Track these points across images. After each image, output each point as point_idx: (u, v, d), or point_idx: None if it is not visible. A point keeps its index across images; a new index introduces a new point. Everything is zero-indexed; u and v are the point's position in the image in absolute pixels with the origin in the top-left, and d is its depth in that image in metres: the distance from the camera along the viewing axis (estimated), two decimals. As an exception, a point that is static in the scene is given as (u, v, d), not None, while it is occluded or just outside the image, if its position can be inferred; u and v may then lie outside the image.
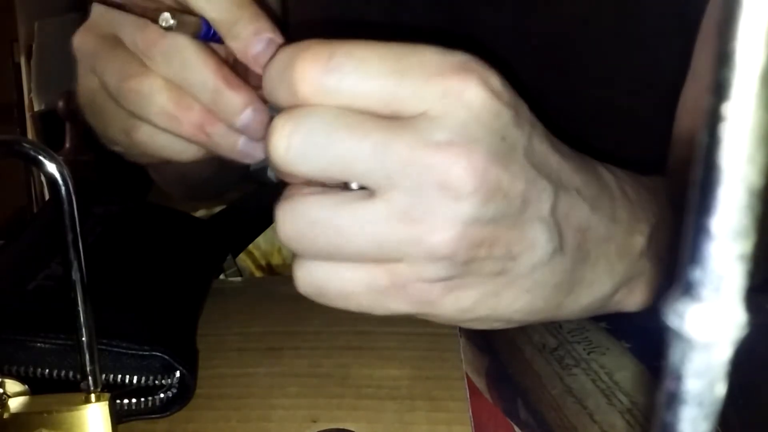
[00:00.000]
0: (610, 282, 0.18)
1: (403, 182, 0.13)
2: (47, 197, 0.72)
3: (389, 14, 0.29)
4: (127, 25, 0.18)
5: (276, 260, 0.38)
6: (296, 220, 0.14)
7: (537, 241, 0.15)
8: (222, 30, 0.18)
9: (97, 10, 0.19)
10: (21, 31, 0.81)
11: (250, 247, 0.37)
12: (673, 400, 0.07)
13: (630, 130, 0.28)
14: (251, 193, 0.38)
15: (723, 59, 0.06)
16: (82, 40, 0.19)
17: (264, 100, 0.17)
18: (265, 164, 0.16)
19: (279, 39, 0.18)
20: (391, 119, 0.14)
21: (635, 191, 0.18)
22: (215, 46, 0.18)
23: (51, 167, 0.14)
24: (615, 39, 0.26)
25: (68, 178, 0.14)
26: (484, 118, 0.14)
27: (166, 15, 0.16)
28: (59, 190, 0.14)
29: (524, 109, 0.15)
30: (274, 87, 0.14)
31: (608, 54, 0.27)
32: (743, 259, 0.06)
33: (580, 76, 0.27)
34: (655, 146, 0.26)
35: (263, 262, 0.37)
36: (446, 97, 0.13)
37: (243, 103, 0.17)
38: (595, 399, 0.19)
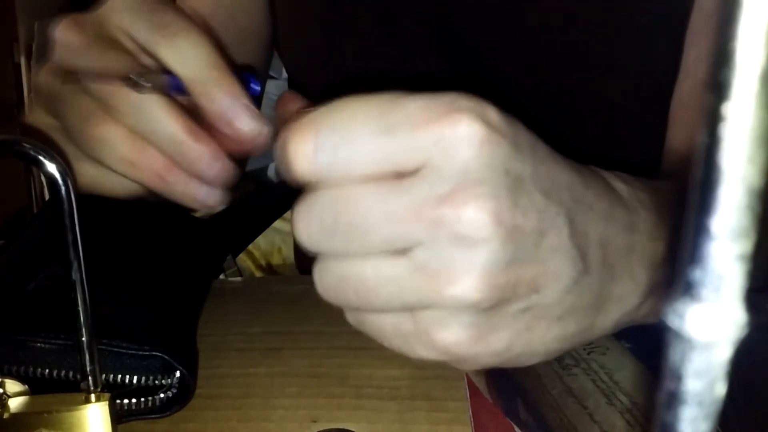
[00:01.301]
0: (638, 292, 0.17)
1: (417, 240, 0.14)
2: (47, 197, 0.72)
3: (380, 20, 0.29)
4: (90, 60, 0.18)
5: (276, 260, 0.38)
6: (326, 277, 0.15)
7: (561, 269, 0.15)
8: (195, 90, 0.18)
9: (61, 49, 0.19)
10: (21, 31, 0.81)
11: (250, 247, 0.37)
12: (673, 399, 0.07)
13: (622, 126, 0.28)
14: (251, 193, 0.38)
15: (723, 59, 0.06)
16: (43, 80, 0.19)
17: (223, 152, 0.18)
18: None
19: (250, 105, 0.18)
20: (394, 179, 0.14)
21: (650, 197, 0.18)
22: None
23: (51, 167, 0.14)
24: (604, 35, 0.26)
25: (68, 178, 0.14)
26: (484, 157, 0.13)
27: (137, 79, 0.17)
28: (59, 190, 0.14)
29: (523, 132, 0.14)
30: (282, 169, 0.15)
31: (598, 50, 0.27)
32: (743, 259, 0.06)
33: (570, 74, 0.27)
34: (648, 142, 0.26)
35: (263, 262, 0.37)
36: (440, 144, 0.13)
37: (208, 154, 0.18)
38: (595, 399, 0.19)
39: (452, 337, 0.14)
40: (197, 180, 0.19)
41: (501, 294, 0.14)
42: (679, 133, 0.26)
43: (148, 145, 0.18)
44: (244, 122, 0.18)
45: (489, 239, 0.13)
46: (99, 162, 0.19)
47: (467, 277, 0.13)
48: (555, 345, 0.16)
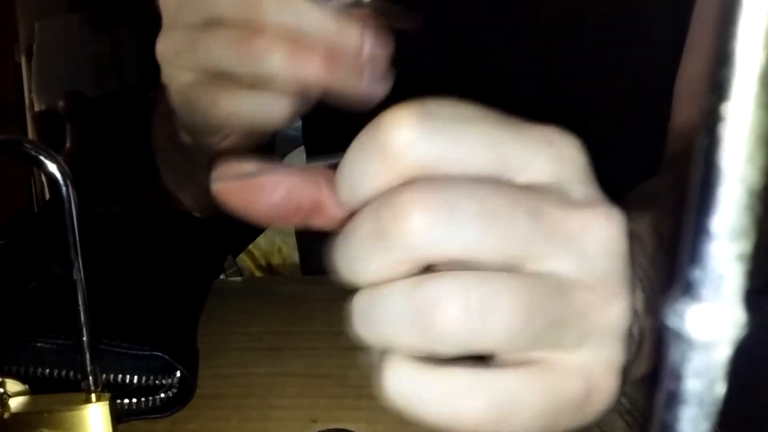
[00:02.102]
0: (633, 346, 0.16)
1: (564, 249, 0.11)
2: (48, 197, 0.72)
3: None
4: (222, 3, 0.17)
5: (276, 260, 0.38)
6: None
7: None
8: None
9: (169, 10, 0.18)
10: (21, 31, 0.81)
11: (251, 247, 0.37)
12: (673, 399, 0.07)
13: (629, 122, 0.28)
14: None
15: (722, 59, 0.06)
16: (164, 43, 0.18)
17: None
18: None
19: None
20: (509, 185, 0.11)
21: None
22: None
23: (52, 167, 0.14)
24: (609, 36, 0.26)
25: (69, 179, 0.14)
26: (591, 174, 0.12)
27: None
28: (60, 190, 0.14)
29: None
30: (356, 164, 0.12)
31: (604, 51, 0.27)
32: (743, 259, 0.06)
33: (576, 78, 0.27)
34: (653, 138, 0.26)
35: (263, 262, 0.37)
36: (559, 160, 0.12)
37: (364, 34, 0.16)
38: (596, 399, 0.19)
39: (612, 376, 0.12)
40: (360, 67, 0.16)
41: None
42: (685, 109, 0.25)
43: (302, 44, 0.16)
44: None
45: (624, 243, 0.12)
46: (266, 78, 0.16)
47: (620, 298, 0.12)
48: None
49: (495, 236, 0.11)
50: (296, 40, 0.16)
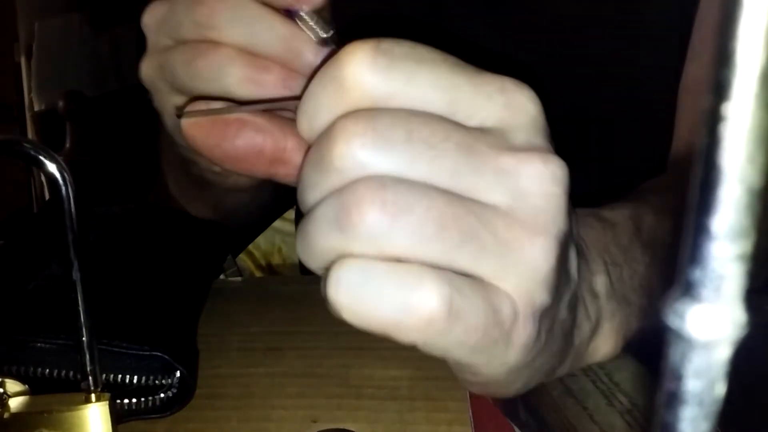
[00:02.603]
0: (588, 324, 0.17)
1: (494, 183, 0.12)
2: (47, 197, 0.72)
3: (384, 20, 0.29)
4: (180, 16, 0.17)
5: (276, 260, 0.38)
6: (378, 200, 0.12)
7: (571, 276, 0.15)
8: None
9: (149, 34, 0.18)
10: (21, 31, 0.81)
11: (250, 247, 0.37)
12: (673, 400, 0.07)
13: (634, 124, 0.28)
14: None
15: (723, 59, 0.06)
16: (145, 67, 0.18)
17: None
18: None
19: None
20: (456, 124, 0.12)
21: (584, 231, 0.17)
22: None
23: (51, 167, 0.14)
24: (614, 37, 0.26)
25: (69, 178, 0.14)
26: (543, 125, 0.13)
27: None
28: (60, 190, 0.14)
29: None
30: (314, 98, 0.12)
31: (605, 54, 0.27)
32: (743, 259, 0.06)
33: (577, 78, 0.27)
34: (658, 139, 0.26)
35: (263, 262, 0.37)
36: (509, 107, 0.12)
37: (315, 43, 0.16)
38: (595, 400, 0.19)
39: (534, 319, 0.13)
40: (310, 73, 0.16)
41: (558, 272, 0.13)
42: (687, 117, 0.26)
43: (259, 58, 0.16)
44: None
45: (561, 203, 0.12)
46: (222, 93, 0.16)
47: (546, 236, 0.12)
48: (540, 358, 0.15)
49: (422, 164, 0.12)
50: (252, 55, 0.16)
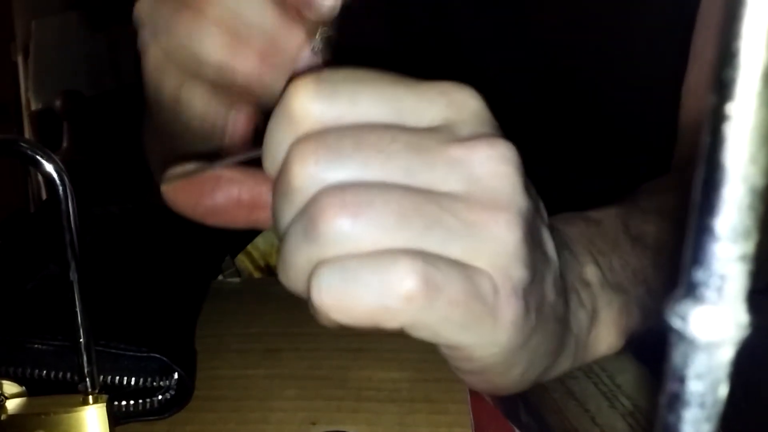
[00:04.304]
0: (584, 312, 0.17)
1: (443, 176, 0.13)
2: (44, 197, 0.72)
3: (387, 25, 0.29)
4: None
5: (275, 261, 0.38)
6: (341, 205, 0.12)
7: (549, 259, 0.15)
8: None
9: (144, 16, 0.18)
10: (18, 30, 0.81)
11: (249, 247, 0.37)
12: (676, 401, 0.07)
13: (636, 124, 0.28)
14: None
15: (726, 58, 0.06)
16: (153, 56, 0.18)
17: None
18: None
19: None
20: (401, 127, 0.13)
21: (564, 227, 0.18)
22: None
23: (49, 167, 0.14)
24: (611, 39, 0.26)
25: (66, 178, 0.14)
26: (487, 116, 0.14)
27: None
28: (57, 190, 0.14)
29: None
30: (271, 136, 0.13)
31: (605, 54, 0.27)
32: (746, 260, 0.06)
33: (577, 78, 0.27)
34: (660, 139, 0.26)
35: (262, 263, 0.37)
36: (451, 106, 0.13)
37: (300, 42, 0.16)
38: (597, 402, 0.19)
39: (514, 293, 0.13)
40: (290, 71, 0.16)
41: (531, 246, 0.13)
42: (690, 118, 0.26)
43: (241, 39, 0.16)
44: None
45: (519, 170, 0.13)
46: (198, 62, 0.16)
47: (507, 211, 0.13)
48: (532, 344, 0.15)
49: (375, 167, 0.12)
50: (236, 29, 0.16)
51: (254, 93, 0.17)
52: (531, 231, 0.14)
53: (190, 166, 0.15)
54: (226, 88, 0.17)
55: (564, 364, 0.17)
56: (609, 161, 0.28)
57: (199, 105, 0.17)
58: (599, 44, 0.27)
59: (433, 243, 0.13)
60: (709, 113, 0.06)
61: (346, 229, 0.12)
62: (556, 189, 0.19)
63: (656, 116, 0.27)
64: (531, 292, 0.14)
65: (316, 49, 0.17)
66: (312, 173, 0.12)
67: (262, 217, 0.15)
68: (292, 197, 0.13)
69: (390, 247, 0.12)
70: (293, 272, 0.13)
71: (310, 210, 0.12)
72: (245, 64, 0.16)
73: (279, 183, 0.13)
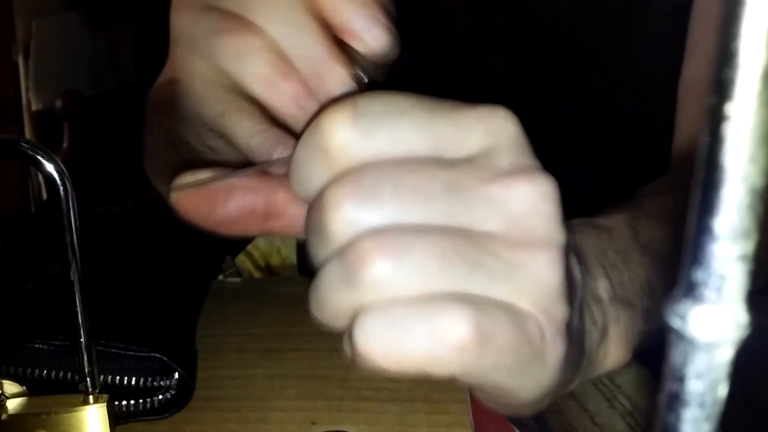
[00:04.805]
0: (596, 330, 0.17)
1: (483, 215, 0.12)
2: (45, 197, 0.72)
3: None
4: None
5: (275, 261, 0.38)
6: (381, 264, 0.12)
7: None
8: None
9: None
10: (19, 30, 0.81)
11: (249, 247, 0.37)
12: (675, 400, 0.07)
13: (635, 120, 0.28)
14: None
15: (725, 59, 0.06)
16: (180, 16, 0.17)
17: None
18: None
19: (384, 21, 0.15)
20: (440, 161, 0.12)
21: (579, 238, 0.18)
22: None
23: (50, 167, 0.14)
24: (609, 35, 0.26)
25: (67, 178, 0.14)
26: (524, 142, 0.13)
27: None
28: (58, 191, 0.14)
29: None
30: (302, 167, 0.13)
31: (604, 50, 0.27)
32: (745, 260, 0.06)
33: (576, 74, 0.27)
34: (659, 134, 0.26)
35: (262, 263, 0.37)
36: (490, 133, 0.13)
37: (344, 78, 0.15)
38: (597, 402, 0.19)
39: (558, 333, 0.13)
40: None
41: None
42: (688, 113, 0.25)
43: (287, 63, 0.15)
44: (372, 33, 0.15)
45: (557, 204, 0.13)
46: (237, 79, 0.15)
47: (548, 249, 0.12)
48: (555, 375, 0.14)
49: (414, 210, 0.12)
50: (281, 58, 0.15)
51: (294, 125, 0.16)
52: (567, 264, 0.13)
53: (202, 174, 0.14)
54: (270, 119, 0.16)
55: (574, 382, 0.17)
56: (608, 158, 0.28)
57: (243, 137, 0.16)
58: (598, 42, 0.27)
59: (476, 285, 0.12)
60: (709, 113, 0.06)
61: (387, 275, 0.12)
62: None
63: (655, 112, 0.27)
64: (568, 326, 0.14)
65: (355, 81, 0.16)
66: (349, 217, 0.12)
67: (277, 225, 0.14)
68: (327, 239, 0.12)
69: (433, 291, 0.12)
70: (330, 312, 0.13)
71: (348, 255, 0.12)
72: (287, 95, 0.15)
73: (313, 221, 0.13)
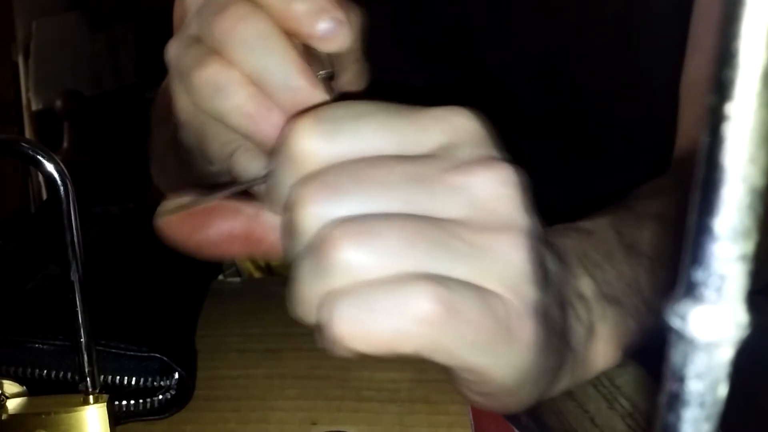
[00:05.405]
0: (581, 327, 0.17)
1: (444, 203, 0.13)
2: (45, 197, 0.72)
3: (391, 25, 0.29)
4: (206, 16, 0.15)
5: (275, 261, 0.38)
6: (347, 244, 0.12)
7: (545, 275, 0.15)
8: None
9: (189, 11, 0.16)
10: (19, 30, 0.81)
11: (249, 247, 0.37)
12: (675, 401, 0.07)
13: (636, 118, 0.27)
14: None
15: (725, 59, 0.06)
16: (174, 48, 0.16)
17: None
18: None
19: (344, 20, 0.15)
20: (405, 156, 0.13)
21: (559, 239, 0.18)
22: None
23: (50, 167, 0.14)
24: (611, 35, 0.26)
25: (67, 178, 0.14)
26: (486, 137, 0.14)
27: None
28: (58, 190, 0.14)
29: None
30: (275, 177, 0.13)
31: (605, 50, 0.27)
32: (745, 260, 0.06)
33: (578, 74, 0.27)
34: (661, 132, 0.26)
35: (262, 263, 0.37)
36: (449, 130, 0.13)
37: (323, 101, 0.15)
38: (596, 403, 0.19)
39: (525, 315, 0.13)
40: None
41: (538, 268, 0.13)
42: (690, 111, 0.25)
43: (266, 96, 0.15)
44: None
45: (523, 191, 0.13)
46: (215, 114, 0.16)
47: (512, 232, 0.13)
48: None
49: (376, 200, 0.13)
50: (259, 91, 0.15)
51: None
52: (535, 249, 0.14)
53: (184, 199, 0.15)
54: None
55: (563, 381, 0.17)
56: (609, 157, 0.28)
57: (244, 169, 0.16)
58: (599, 41, 0.27)
59: (441, 266, 0.13)
60: (709, 113, 0.06)
61: (353, 257, 0.12)
62: (555, 187, 0.19)
63: (656, 112, 0.27)
64: (540, 309, 0.14)
65: (327, 76, 0.16)
66: (315, 213, 0.13)
67: (258, 249, 0.15)
68: (297, 236, 0.13)
69: (399, 272, 0.12)
70: (304, 305, 0.13)
71: (315, 244, 0.12)
72: (272, 127, 0.15)
73: (285, 224, 0.13)
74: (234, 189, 0.15)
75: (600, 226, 0.20)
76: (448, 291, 0.12)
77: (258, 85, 0.15)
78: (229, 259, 0.15)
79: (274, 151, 0.14)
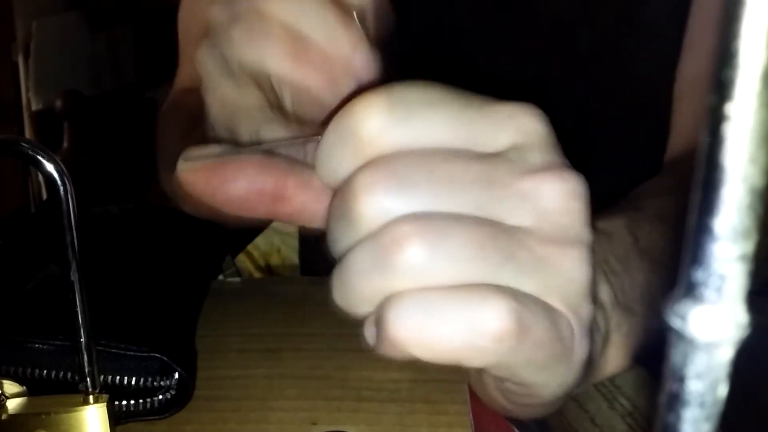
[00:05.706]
0: (599, 335, 0.17)
1: (511, 209, 0.12)
2: (45, 197, 0.72)
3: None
4: None
5: (275, 261, 0.38)
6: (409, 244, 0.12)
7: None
8: None
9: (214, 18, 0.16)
10: (19, 30, 0.81)
11: (249, 247, 0.37)
12: (675, 401, 0.07)
13: (635, 121, 0.28)
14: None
15: (725, 58, 0.06)
16: (204, 53, 0.16)
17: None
18: None
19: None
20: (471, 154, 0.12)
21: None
22: None
23: (50, 167, 0.14)
24: (611, 35, 0.26)
25: (67, 178, 0.14)
26: (553, 142, 0.13)
27: None
28: (58, 190, 0.14)
29: None
30: (332, 151, 0.12)
31: (605, 49, 0.27)
32: (745, 260, 0.06)
33: (577, 73, 0.27)
34: (659, 134, 0.26)
35: (262, 263, 0.37)
36: (520, 131, 0.13)
37: (364, 57, 0.15)
38: (596, 402, 0.19)
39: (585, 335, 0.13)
40: (351, 78, 0.15)
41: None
42: (686, 110, 0.25)
43: (308, 43, 0.15)
44: None
45: (585, 203, 0.13)
46: (257, 64, 0.15)
47: (577, 248, 0.12)
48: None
49: (446, 199, 0.12)
50: (297, 40, 0.15)
51: (325, 101, 0.15)
52: (594, 266, 0.13)
53: (212, 149, 0.14)
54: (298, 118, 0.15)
55: (581, 387, 0.17)
56: (608, 157, 0.28)
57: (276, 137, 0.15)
58: (599, 43, 0.27)
59: (509, 277, 0.12)
60: (709, 113, 0.06)
61: (423, 260, 0.12)
62: None
63: (656, 113, 0.27)
64: (590, 327, 0.14)
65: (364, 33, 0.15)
66: (380, 204, 0.12)
67: (284, 210, 0.14)
68: (356, 225, 0.12)
69: (466, 280, 0.12)
70: (357, 298, 0.12)
71: (382, 239, 0.12)
72: (314, 70, 0.15)
73: (340, 206, 0.12)
74: (267, 146, 0.14)
75: (617, 228, 0.19)
76: (522, 307, 0.12)
77: (295, 34, 0.15)
78: (252, 219, 0.14)
79: (333, 121, 0.13)
